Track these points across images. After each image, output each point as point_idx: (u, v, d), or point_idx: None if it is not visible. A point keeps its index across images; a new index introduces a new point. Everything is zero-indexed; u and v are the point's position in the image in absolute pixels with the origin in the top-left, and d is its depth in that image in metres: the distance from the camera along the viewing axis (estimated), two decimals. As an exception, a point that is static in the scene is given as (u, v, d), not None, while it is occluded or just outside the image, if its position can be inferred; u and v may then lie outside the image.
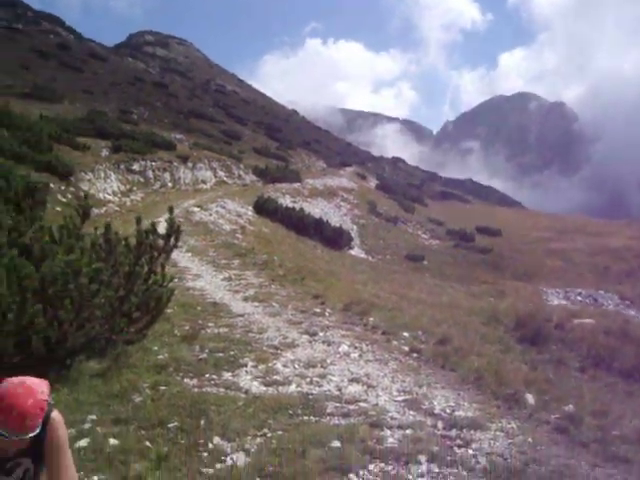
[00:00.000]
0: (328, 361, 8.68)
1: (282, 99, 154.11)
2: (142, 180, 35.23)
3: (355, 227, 47.35)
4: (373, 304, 12.81)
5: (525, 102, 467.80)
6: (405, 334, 10.56)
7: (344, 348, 9.42)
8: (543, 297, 24.08)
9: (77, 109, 44.52)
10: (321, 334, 10.20)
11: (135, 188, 33.50)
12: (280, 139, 77.93)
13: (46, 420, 3.24)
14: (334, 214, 48.01)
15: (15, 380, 3.13)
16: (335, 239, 36.85)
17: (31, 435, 3.10)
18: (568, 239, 52.27)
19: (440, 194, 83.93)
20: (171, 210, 8.12)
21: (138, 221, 7.85)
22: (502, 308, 15.68)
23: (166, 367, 7.84)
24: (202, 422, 6.22)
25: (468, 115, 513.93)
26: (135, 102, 60.09)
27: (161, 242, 8.18)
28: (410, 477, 5.32)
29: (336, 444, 5.82)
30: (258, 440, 5.93)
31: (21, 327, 6.62)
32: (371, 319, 11.48)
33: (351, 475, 5.29)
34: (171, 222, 7.81)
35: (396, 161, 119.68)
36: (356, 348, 9.52)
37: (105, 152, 33.98)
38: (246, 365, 8.24)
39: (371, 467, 5.46)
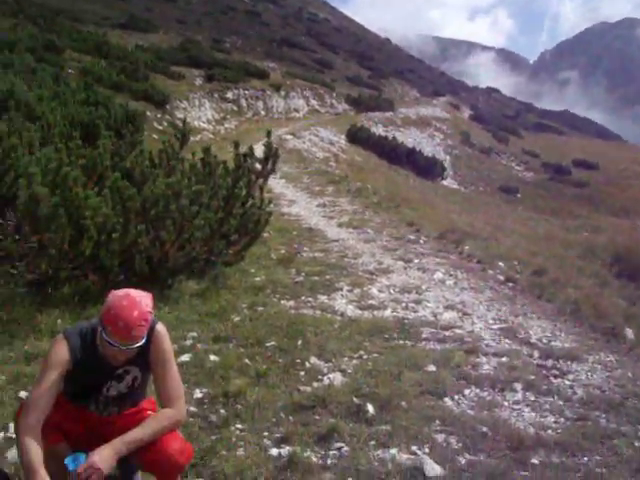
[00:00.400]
0: (423, 287, 8.64)
1: (374, 27, 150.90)
2: (235, 109, 35.47)
3: (448, 157, 46.60)
4: (468, 233, 12.60)
5: (631, 29, 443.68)
6: (500, 264, 10.37)
7: (439, 275, 9.35)
8: (641, 234, 23.15)
9: (171, 39, 44.87)
10: (416, 261, 10.14)
11: (229, 116, 33.79)
12: (373, 68, 76.56)
13: (151, 332, 3.33)
14: (427, 144, 47.32)
15: (120, 292, 3.23)
16: (428, 169, 36.34)
17: (137, 345, 3.21)
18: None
19: (536, 126, 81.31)
20: (269, 134, 8.13)
21: (236, 145, 7.90)
22: (599, 242, 15.23)
23: (263, 289, 7.98)
24: (299, 342, 6.32)
25: (567, 44, 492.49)
26: (228, 31, 60.00)
27: (258, 166, 8.22)
28: (506, 404, 5.27)
29: (432, 368, 5.82)
30: (354, 362, 5.99)
31: (125, 247, 6.83)
32: (466, 248, 11.30)
33: (446, 399, 5.28)
34: (269, 146, 7.83)
35: (490, 91, 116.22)
36: (451, 276, 9.42)
37: (199, 81, 34.28)
38: (341, 289, 8.30)
39: (466, 392, 5.44)
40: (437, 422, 4.84)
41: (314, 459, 4.26)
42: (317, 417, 4.86)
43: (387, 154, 34.94)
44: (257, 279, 8.37)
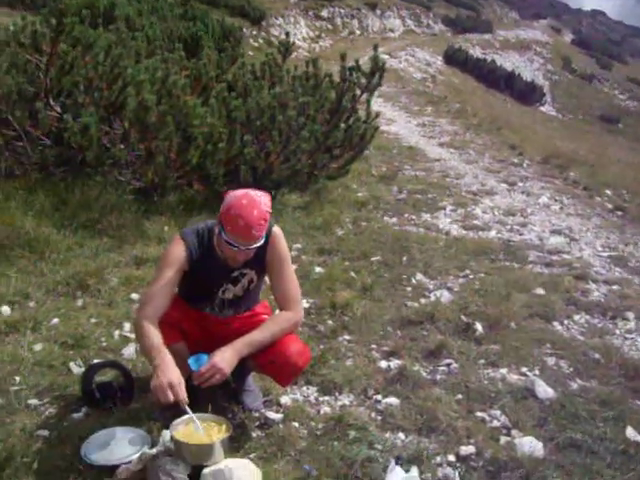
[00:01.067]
0: (528, 211, 8.40)
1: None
2: (330, 27, 34.93)
3: (547, 83, 44.94)
4: (572, 159, 12.18)
5: None
6: (607, 191, 9.99)
7: (544, 200, 9.06)
8: None
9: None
10: (520, 184, 9.86)
11: (323, 35, 33.31)
12: (471, -13, 73.63)
13: (268, 233, 3.28)
14: (526, 68, 45.70)
15: (239, 192, 3.17)
16: (526, 94, 35.20)
17: (256, 245, 3.16)
18: None
19: (641, 52, 77.24)
20: (375, 48, 7.86)
21: (342, 57, 7.69)
22: None
23: (366, 204, 7.91)
24: (404, 259, 6.24)
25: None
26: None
27: (364, 81, 8.00)
28: (618, 332, 5.09)
29: (540, 292, 5.66)
30: (460, 280, 5.88)
31: (231, 157, 6.82)
32: (571, 174, 10.93)
33: (555, 323, 5.14)
34: (375, 59, 7.59)
35: (595, 14, 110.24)
36: (556, 201, 9.13)
37: (294, -2, 33.77)
38: (445, 208, 8.14)
39: (576, 318, 5.27)
40: (547, 345, 4.70)
41: (423, 374, 4.21)
42: (425, 333, 4.80)
43: (484, 77, 33.98)
44: (359, 195, 8.29)
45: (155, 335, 3.03)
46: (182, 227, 6.42)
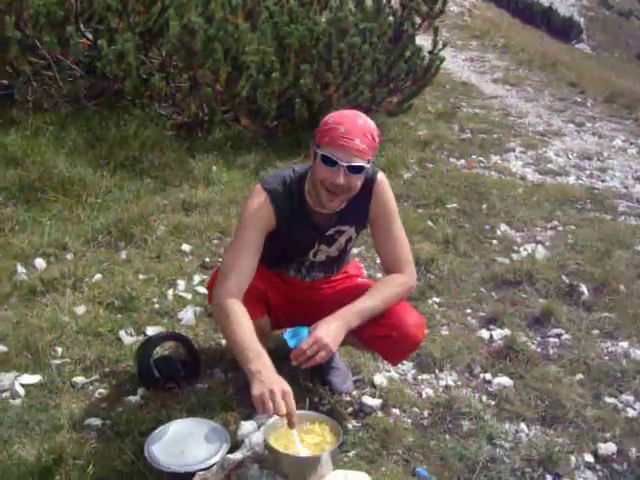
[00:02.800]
0: (604, 154, 7.62)
1: None
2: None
3: (582, 20, 43.10)
4: (638, 99, 11.25)
5: None
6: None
7: (618, 143, 8.28)
8: None
9: None
10: (588, 125, 9.04)
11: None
12: None
13: (371, 182, 2.63)
14: (561, 3, 43.81)
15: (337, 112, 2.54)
16: (563, 30, 33.82)
17: (361, 165, 2.42)
18: None
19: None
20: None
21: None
22: None
23: (429, 144, 7.09)
24: (484, 206, 5.52)
25: None
26: None
27: (425, 8, 7.15)
28: None
29: (643, 247, 4.96)
30: (549, 233, 5.18)
31: (284, 89, 6.08)
32: (640, 114, 10.08)
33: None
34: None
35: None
36: (632, 144, 8.34)
37: None
38: (514, 150, 7.36)
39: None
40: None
41: (532, 346, 3.56)
42: (524, 295, 4.12)
43: (520, 12, 32.51)
44: (420, 133, 7.50)
45: (247, 326, 2.35)
46: (232, 167, 5.81)
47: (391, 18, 6.99)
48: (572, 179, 6.59)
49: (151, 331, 3.35)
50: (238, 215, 4.71)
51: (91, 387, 2.95)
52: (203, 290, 3.83)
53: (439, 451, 2.70)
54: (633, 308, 4.02)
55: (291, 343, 2.42)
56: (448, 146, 7.16)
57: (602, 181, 6.64)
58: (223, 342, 3.29)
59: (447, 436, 2.82)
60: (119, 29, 5.96)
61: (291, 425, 2.14)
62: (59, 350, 3.14)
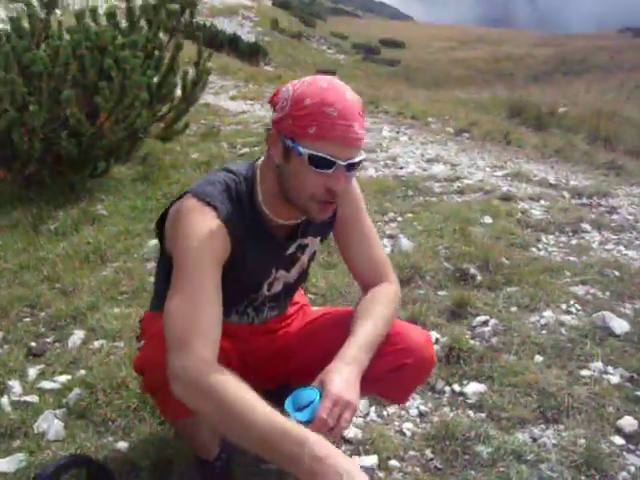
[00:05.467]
0: (384, 145, 7.52)
1: None
2: None
3: (261, 44, 45.48)
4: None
5: None
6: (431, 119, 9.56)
7: (387, 133, 8.30)
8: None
9: None
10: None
11: None
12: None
13: None
14: (240, 32, 45.80)
15: (300, 81, 1.66)
16: (251, 55, 34.93)
17: (361, 159, 1.68)
18: (470, 48, 52.57)
19: (333, 10, 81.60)
20: None
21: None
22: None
23: (210, 164, 6.21)
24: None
25: None
26: None
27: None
28: (594, 245, 4.38)
29: (488, 220, 4.75)
30: (393, 224, 4.77)
31: (43, 124, 4.99)
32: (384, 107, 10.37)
33: (533, 249, 4.28)
34: None
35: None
36: (398, 132, 8.43)
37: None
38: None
39: (545, 239, 4.47)
40: (562, 274, 3.82)
41: (471, 341, 3.05)
42: (422, 292, 3.62)
43: (210, 42, 32.92)
44: (194, 156, 6.66)
45: (261, 404, 1.45)
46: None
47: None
48: (372, 172, 6.29)
49: (7, 465, 2.26)
50: (37, 282, 3.75)
51: None
52: (52, 385, 2.79)
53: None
54: (531, 276, 3.73)
55: (301, 417, 1.57)
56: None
57: (400, 168, 6.42)
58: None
59: (471, 472, 2.21)
60: None
61: None
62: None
